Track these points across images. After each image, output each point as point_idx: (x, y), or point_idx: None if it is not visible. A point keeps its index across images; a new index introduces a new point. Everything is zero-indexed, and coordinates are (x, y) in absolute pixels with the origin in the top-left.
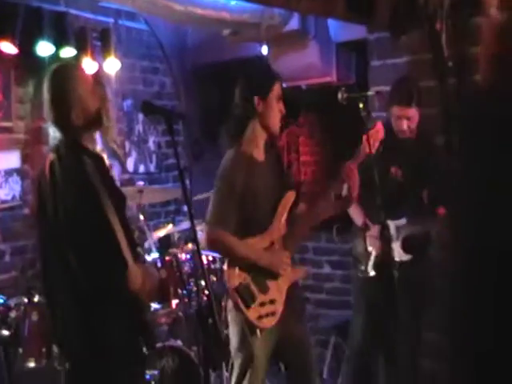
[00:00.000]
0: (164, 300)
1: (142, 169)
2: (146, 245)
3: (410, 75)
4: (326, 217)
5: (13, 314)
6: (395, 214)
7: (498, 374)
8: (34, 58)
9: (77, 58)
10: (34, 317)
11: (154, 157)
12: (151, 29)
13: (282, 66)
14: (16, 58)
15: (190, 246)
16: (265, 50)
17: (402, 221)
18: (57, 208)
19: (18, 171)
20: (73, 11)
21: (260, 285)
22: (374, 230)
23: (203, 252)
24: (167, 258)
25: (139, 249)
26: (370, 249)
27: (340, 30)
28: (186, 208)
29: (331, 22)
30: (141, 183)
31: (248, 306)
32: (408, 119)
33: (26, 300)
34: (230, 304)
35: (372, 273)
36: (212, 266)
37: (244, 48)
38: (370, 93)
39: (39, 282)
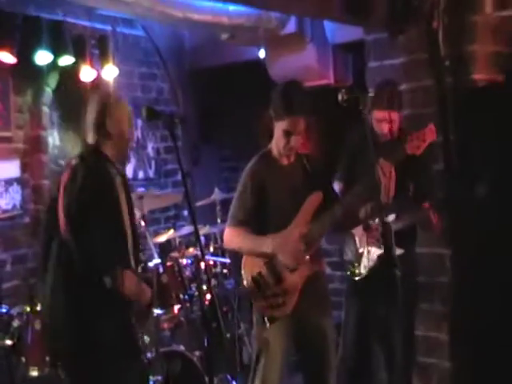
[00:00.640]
0: (166, 305)
1: (141, 175)
2: (148, 250)
3: (391, 79)
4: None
5: (15, 323)
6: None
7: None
8: (33, 66)
9: (75, 66)
10: (37, 325)
11: (153, 163)
12: (148, 35)
13: (279, 68)
14: (14, 68)
15: (190, 250)
16: (262, 53)
17: (392, 217)
18: (72, 204)
19: (17, 180)
20: (70, 19)
21: (275, 276)
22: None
23: (208, 257)
24: (168, 263)
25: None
26: (360, 250)
27: (336, 32)
28: (185, 213)
29: (327, 24)
30: (142, 189)
31: (260, 296)
32: (389, 122)
33: (28, 309)
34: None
35: (364, 273)
36: (213, 271)
37: (241, 51)
38: (370, 94)
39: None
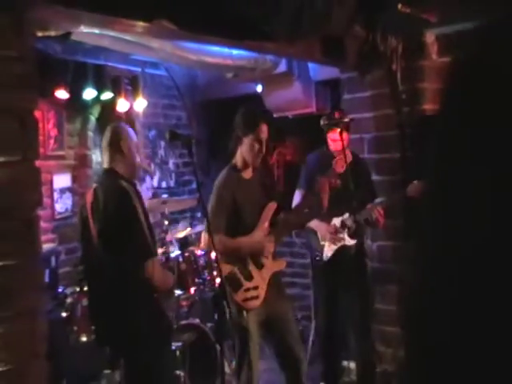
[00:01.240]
0: (184, 287)
1: (164, 184)
2: (170, 244)
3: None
4: (303, 223)
5: (68, 300)
6: (339, 212)
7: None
8: (81, 101)
9: (113, 100)
10: (84, 302)
11: (173, 175)
12: (170, 74)
13: (272, 100)
14: (67, 102)
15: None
16: (259, 88)
17: (346, 215)
18: (99, 217)
19: (69, 189)
20: (110, 63)
21: (245, 274)
22: (330, 227)
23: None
24: (186, 254)
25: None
26: (322, 243)
27: (318, 71)
28: (198, 214)
29: (311, 65)
30: (165, 196)
31: (235, 291)
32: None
33: (77, 289)
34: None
35: (325, 259)
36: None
37: (242, 87)
38: (345, 120)
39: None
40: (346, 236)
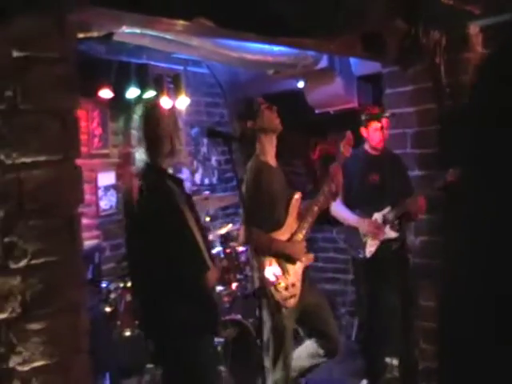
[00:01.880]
0: (226, 283)
1: (206, 181)
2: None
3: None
4: (320, 209)
5: (112, 295)
6: (380, 207)
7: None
8: (124, 100)
9: (156, 98)
10: (128, 297)
11: (215, 172)
12: (212, 72)
13: (314, 96)
14: (111, 101)
15: None
16: (301, 84)
17: (386, 210)
18: (141, 220)
19: (113, 187)
20: (152, 62)
21: (284, 271)
22: (371, 222)
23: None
24: (228, 250)
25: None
26: (364, 239)
27: (359, 66)
28: (241, 210)
29: (353, 60)
30: (207, 193)
31: (276, 290)
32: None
33: (121, 285)
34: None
35: (368, 255)
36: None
37: (284, 83)
38: (385, 114)
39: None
40: (388, 231)
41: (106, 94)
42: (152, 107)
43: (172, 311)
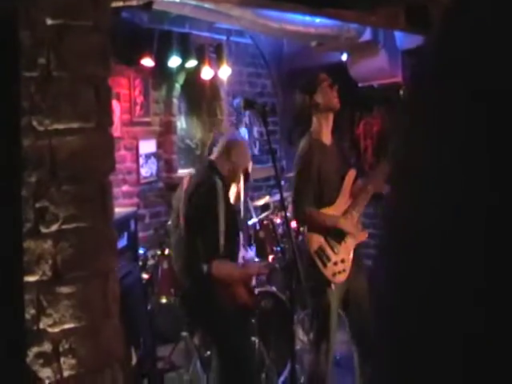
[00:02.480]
0: (263, 255)
1: None
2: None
3: None
4: (378, 187)
5: (150, 262)
6: None
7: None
8: (166, 68)
9: (198, 68)
10: (165, 265)
11: (257, 143)
12: (255, 42)
13: (358, 69)
14: (153, 70)
15: (283, 212)
16: (344, 57)
17: None
18: (186, 204)
19: (154, 155)
20: (194, 32)
21: (333, 247)
22: None
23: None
24: (265, 222)
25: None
26: None
27: (405, 40)
28: (282, 182)
29: (398, 34)
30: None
31: (325, 265)
32: None
33: (159, 252)
34: (305, 263)
35: None
36: (301, 229)
37: (328, 56)
38: None
39: (168, 239)
40: None
41: (147, 62)
42: None
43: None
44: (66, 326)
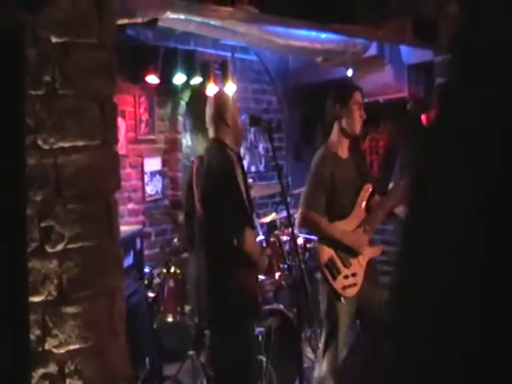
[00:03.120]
0: (269, 272)
1: (253, 168)
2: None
3: None
4: (395, 206)
5: (156, 281)
6: None
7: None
8: (171, 85)
9: (203, 84)
10: (171, 283)
11: (262, 159)
12: (260, 59)
13: (363, 84)
14: (158, 87)
15: (290, 229)
16: (350, 72)
17: None
18: (202, 183)
19: (159, 172)
20: (199, 49)
21: (344, 260)
22: None
23: (301, 234)
24: (271, 239)
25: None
26: None
27: (411, 54)
28: (288, 199)
29: (403, 48)
30: (250, 180)
31: (334, 278)
32: None
33: (164, 270)
34: (319, 278)
35: None
36: (308, 246)
37: (333, 71)
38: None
39: (174, 257)
40: None
41: (152, 79)
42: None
43: (218, 287)
44: (72, 347)
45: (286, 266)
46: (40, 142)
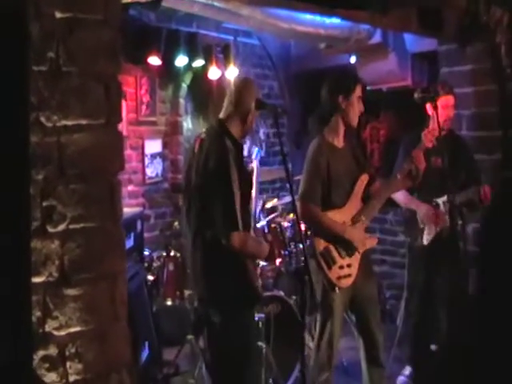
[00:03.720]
0: (270, 259)
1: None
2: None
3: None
4: (394, 191)
5: (155, 264)
6: (440, 193)
7: None
8: (173, 68)
9: (205, 67)
10: (171, 267)
11: (263, 144)
12: (262, 44)
13: (366, 72)
14: (160, 68)
15: (291, 216)
16: (353, 59)
17: (444, 197)
18: (198, 170)
19: (160, 155)
20: (202, 31)
21: (339, 250)
22: (430, 208)
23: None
24: (273, 225)
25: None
26: (421, 225)
27: (415, 43)
28: (288, 185)
29: (407, 37)
30: (252, 165)
31: (330, 268)
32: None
33: (164, 253)
34: (313, 266)
35: (426, 243)
36: (308, 233)
37: (336, 58)
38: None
39: (175, 241)
40: (447, 218)
41: (154, 61)
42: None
43: (215, 275)
44: (73, 330)
45: (286, 252)
46: (43, 120)
